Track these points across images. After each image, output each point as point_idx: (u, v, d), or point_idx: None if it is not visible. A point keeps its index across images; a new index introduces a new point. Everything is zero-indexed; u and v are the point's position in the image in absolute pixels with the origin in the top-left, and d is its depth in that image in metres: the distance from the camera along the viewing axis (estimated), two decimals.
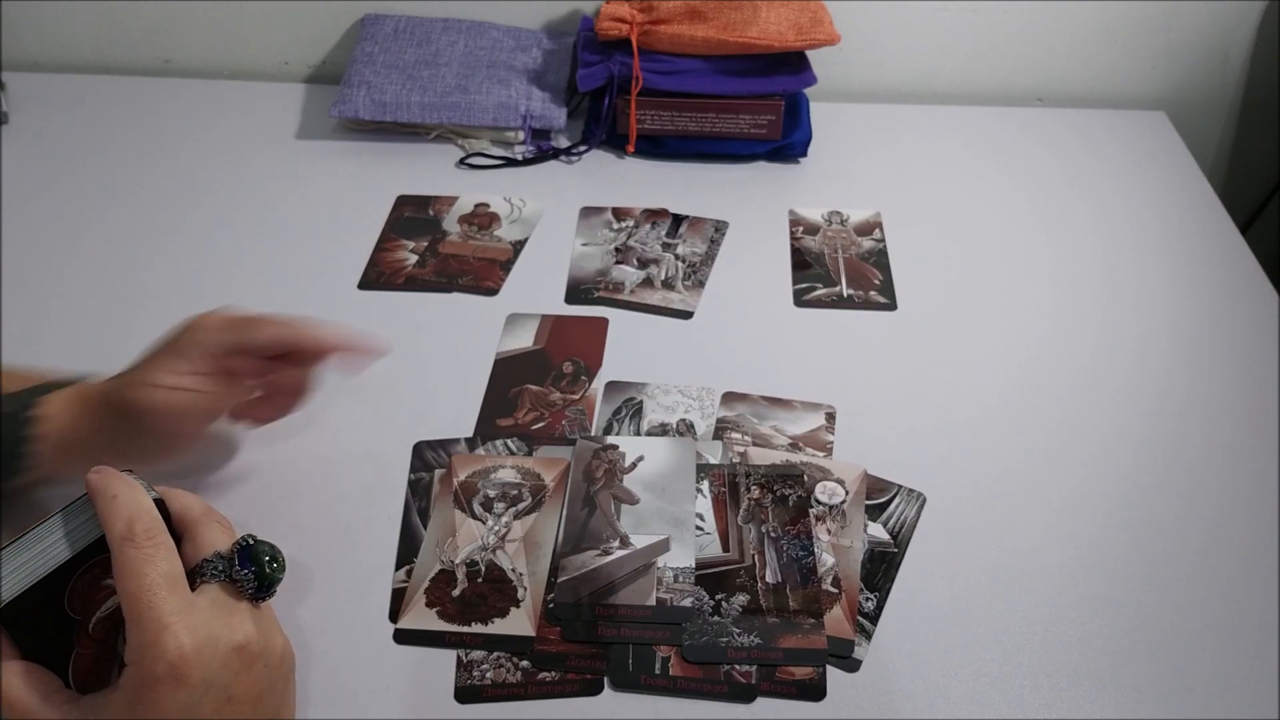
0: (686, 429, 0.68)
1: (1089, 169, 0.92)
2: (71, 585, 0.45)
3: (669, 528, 0.61)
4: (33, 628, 0.44)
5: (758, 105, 0.88)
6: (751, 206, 0.87)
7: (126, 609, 0.42)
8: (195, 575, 0.44)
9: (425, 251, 0.82)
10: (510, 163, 0.91)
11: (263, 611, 0.46)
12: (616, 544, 0.60)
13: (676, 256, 0.82)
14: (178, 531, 0.46)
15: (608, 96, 0.89)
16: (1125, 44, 1.00)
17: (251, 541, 0.46)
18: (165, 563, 0.43)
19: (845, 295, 0.79)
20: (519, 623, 0.57)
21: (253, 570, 0.45)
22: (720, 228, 0.85)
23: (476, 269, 0.80)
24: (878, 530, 0.62)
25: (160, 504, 0.45)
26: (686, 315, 0.77)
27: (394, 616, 0.58)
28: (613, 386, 0.71)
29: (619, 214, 0.86)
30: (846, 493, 0.64)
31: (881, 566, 0.60)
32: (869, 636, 0.57)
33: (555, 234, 0.84)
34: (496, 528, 0.62)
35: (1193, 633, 0.57)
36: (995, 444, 0.68)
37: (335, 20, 1.00)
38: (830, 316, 0.77)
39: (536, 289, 0.79)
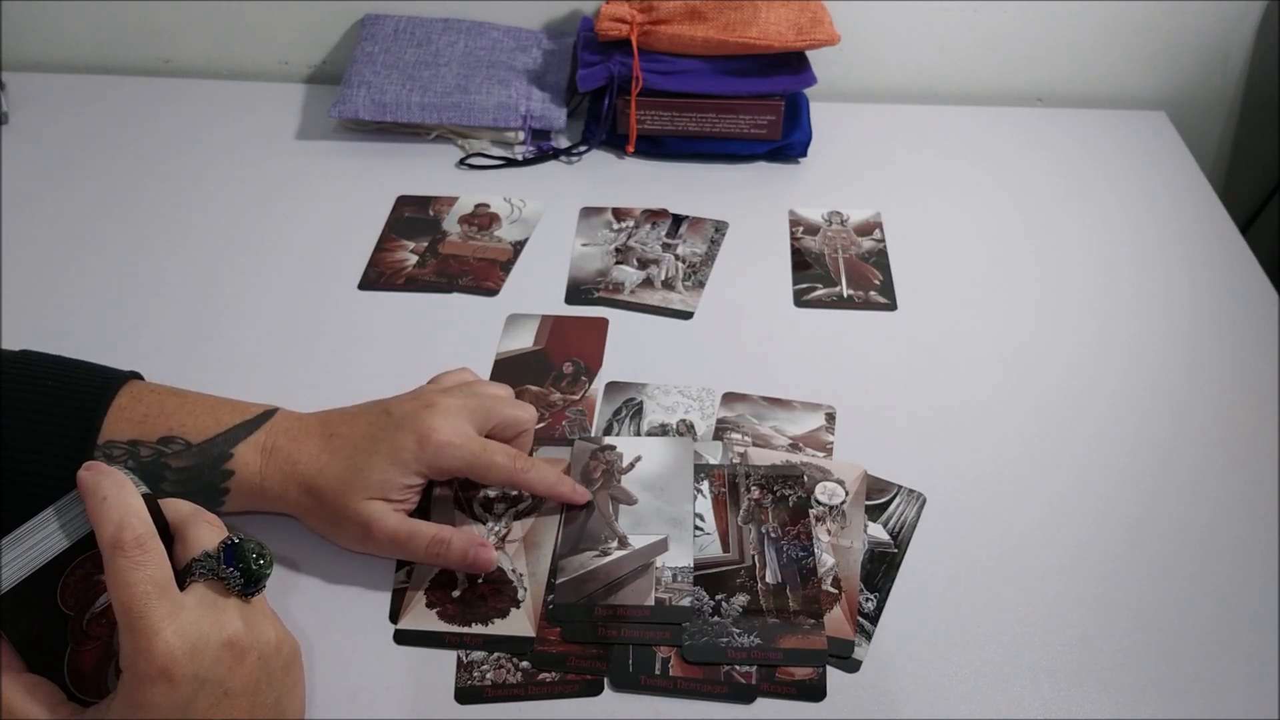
0: (687, 429, 0.68)
1: (1089, 169, 0.92)
2: (64, 580, 0.45)
3: (667, 527, 0.61)
4: (25, 621, 0.44)
5: (758, 105, 0.88)
6: (751, 206, 0.87)
7: (119, 617, 0.42)
8: (184, 575, 0.45)
9: (425, 252, 0.82)
10: (510, 163, 0.91)
11: (253, 605, 0.46)
12: (615, 545, 0.60)
13: (676, 257, 0.82)
14: (170, 529, 0.46)
15: (608, 97, 0.89)
16: (1125, 44, 1.00)
17: (237, 540, 0.46)
18: (154, 568, 0.43)
19: (845, 295, 0.79)
20: (519, 623, 0.57)
21: (239, 568, 0.45)
22: (720, 228, 0.85)
23: (476, 269, 0.80)
24: (878, 530, 0.62)
25: (151, 500, 0.45)
26: (686, 315, 0.77)
27: (394, 617, 0.58)
28: (613, 387, 0.71)
29: (619, 214, 0.86)
30: (846, 493, 0.64)
31: (881, 567, 0.60)
32: (869, 637, 0.57)
33: (555, 234, 0.84)
34: (496, 528, 0.62)
35: (1193, 633, 0.57)
36: (995, 444, 0.68)
37: (335, 20, 1.00)
38: (830, 316, 0.77)
39: (536, 289, 0.79)
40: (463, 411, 0.59)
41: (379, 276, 0.80)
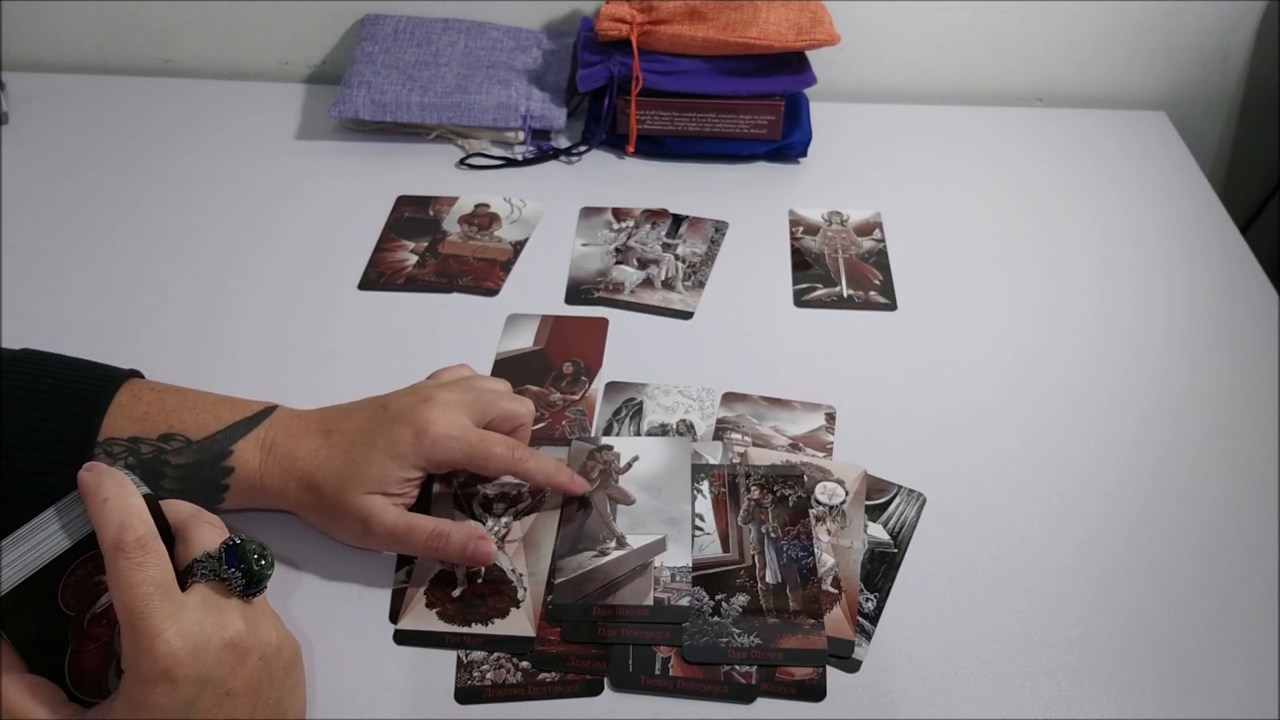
0: (686, 429, 0.68)
1: (1089, 169, 0.92)
2: (64, 580, 0.45)
3: (665, 527, 0.61)
4: (26, 622, 0.44)
5: (758, 105, 0.88)
6: (751, 206, 0.87)
7: (121, 618, 0.42)
8: (186, 575, 0.45)
9: (425, 252, 0.82)
10: (510, 163, 0.91)
11: (255, 606, 0.46)
12: (613, 545, 0.60)
13: (676, 257, 0.82)
14: (171, 530, 0.46)
15: (608, 96, 0.89)
16: (1125, 44, 1.00)
17: (238, 540, 0.46)
18: (156, 569, 0.43)
19: (845, 295, 0.79)
20: (519, 623, 0.57)
21: (240, 568, 0.45)
22: (720, 228, 0.85)
23: (476, 269, 0.80)
24: (878, 530, 0.62)
25: (152, 500, 0.45)
26: (686, 315, 0.77)
27: (394, 617, 0.58)
28: (613, 387, 0.71)
29: (619, 214, 0.86)
30: (846, 493, 0.64)
31: (881, 567, 0.60)
32: (869, 637, 0.57)
33: (555, 234, 0.84)
34: (496, 528, 0.62)
35: (1193, 633, 0.58)
36: (995, 444, 0.68)
37: (335, 20, 1.00)
38: (830, 316, 0.77)
39: (536, 289, 0.79)
40: (460, 405, 0.59)
41: (379, 276, 0.80)
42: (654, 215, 0.86)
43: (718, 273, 0.81)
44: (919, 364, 0.73)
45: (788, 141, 0.90)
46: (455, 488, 0.64)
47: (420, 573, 0.59)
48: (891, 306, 0.78)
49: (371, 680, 0.55)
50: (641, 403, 0.70)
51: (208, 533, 0.46)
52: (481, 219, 0.85)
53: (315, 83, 1.01)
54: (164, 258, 0.81)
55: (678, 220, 0.85)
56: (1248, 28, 0.99)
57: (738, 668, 0.55)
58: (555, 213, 0.86)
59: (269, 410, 0.59)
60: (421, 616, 0.57)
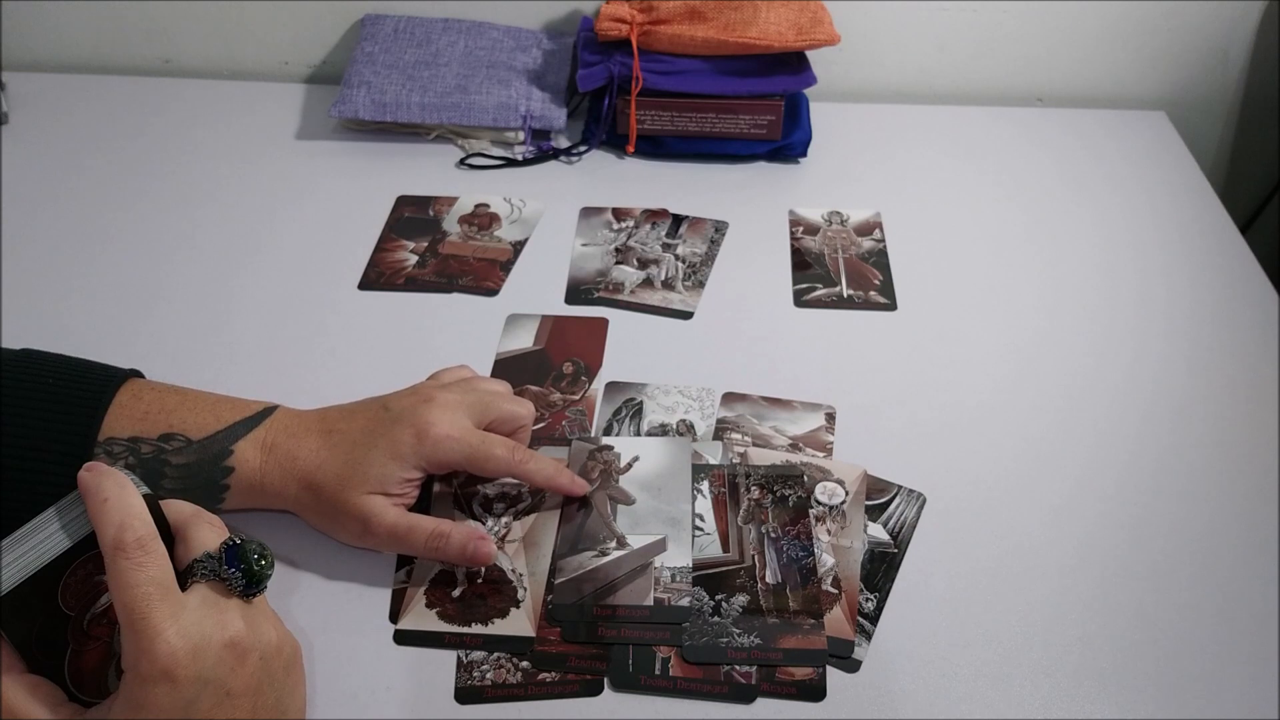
0: (686, 429, 0.68)
1: (1089, 169, 0.92)
2: (64, 580, 0.45)
3: (665, 527, 0.61)
4: (26, 622, 0.44)
5: (758, 105, 0.88)
6: (751, 206, 0.87)
7: (121, 618, 0.42)
8: (186, 575, 0.45)
9: (425, 252, 0.82)
10: (510, 163, 0.91)
11: (255, 606, 0.46)
12: (613, 545, 0.60)
13: (676, 257, 0.82)
14: (171, 530, 0.46)
15: (608, 97, 0.89)
16: (1125, 44, 1.00)
17: (238, 540, 0.46)
18: (156, 569, 0.43)
19: (845, 295, 0.79)
20: (519, 623, 0.57)
21: (240, 569, 0.45)
22: (720, 228, 0.85)
23: (476, 269, 0.80)
24: (878, 530, 0.62)
25: (152, 500, 0.45)
26: (686, 315, 0.77)
27: (394, 617, 0.58)
28: (613, 387, 0.71)
29: (619, 214, 0.86)
30: (846, 493, 0.64)
31: (881, 567, 0.60)
32: (869, 637, 0.57)
33: (555, 234, 0.84)
34: (496, 528, 0.62)
35: (1193, 633, 0.58)
36: (995, 444, 0.68)
37: (335, 20, 1.00)
38: (830, 316, 0.77)
39: (536, 289, 0.79)
40: (460, 406, 0.59)
41: (379, 276, 0.80)
42: (654, 215, 0.86)
43: (718, 273, 0.81)
44: (919, 364, 0.73)
45: (788, 141, 0.90)
46: (455, 488, 0.64)
47: (420, 573, 0.59)
48: (891, 306, 0.78)
49: (371, 680, 0.55)
50: (641, 403, 0.70)
51: (208, 533, 0.46)
52: (481, 219, 0.85)
53: (315, 83, 1.01)
54: (164, 258, 0.81)
55: (678, 220, 0.85)
56: (1248, 28, 0.99)
57: (738, 668, 0.55)
58: (555, 213, 0.86)
59: (269, 410, 0.59)
60: (421, 616, 0.57)
